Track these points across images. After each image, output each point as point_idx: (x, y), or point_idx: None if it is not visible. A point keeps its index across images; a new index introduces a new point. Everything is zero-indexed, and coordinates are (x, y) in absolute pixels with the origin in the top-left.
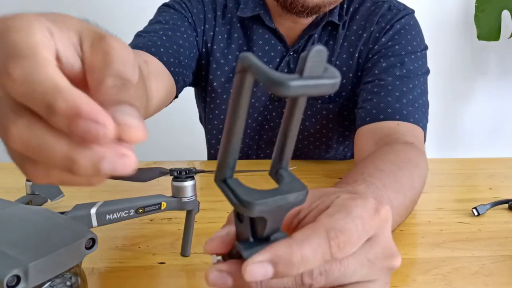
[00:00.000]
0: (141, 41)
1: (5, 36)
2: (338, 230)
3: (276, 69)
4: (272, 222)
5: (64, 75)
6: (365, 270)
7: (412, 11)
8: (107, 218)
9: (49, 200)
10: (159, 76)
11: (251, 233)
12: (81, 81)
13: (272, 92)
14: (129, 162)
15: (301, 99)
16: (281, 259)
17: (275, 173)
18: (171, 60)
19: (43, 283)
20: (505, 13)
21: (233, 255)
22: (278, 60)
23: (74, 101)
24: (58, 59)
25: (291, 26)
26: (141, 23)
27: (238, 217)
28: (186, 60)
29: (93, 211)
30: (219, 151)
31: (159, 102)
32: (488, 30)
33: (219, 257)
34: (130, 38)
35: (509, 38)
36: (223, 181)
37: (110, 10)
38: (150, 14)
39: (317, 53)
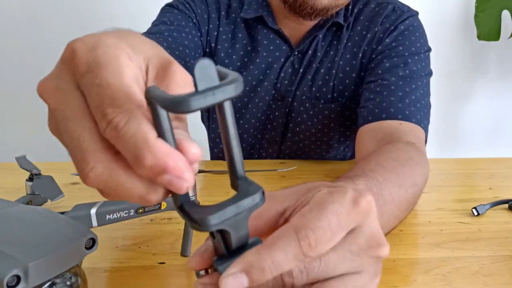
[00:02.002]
0: None
1: (96, 75)
2: (309, 229)
3: (281, 69)
4: (235, 232)
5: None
6: (348, 262)
7: (416, 13)
8: (107, 218)
9: (49, 200)
10: None
11: (224, 247)
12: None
13: (176, 113)
14: (188, 186)
15: (226, 106)
16: (252, 267)
17: (234, 186)
18: (178, 61)
19: (43, 283)
20: (505, 13)
21: (215, 269)
22: (283, 60)
23: (162, 157)
24: None
25: (296, 27)
26: (142, 23)
27: (211, 233)
28: (192, 61)
29: (93, 211)
30: None
31: None
32: (488, 30)
33: (202, 272)
34: None
35: (509, 38)
36: (180, 208)
37: (111, 10)
38: (151, 13)
39: (202, 66)
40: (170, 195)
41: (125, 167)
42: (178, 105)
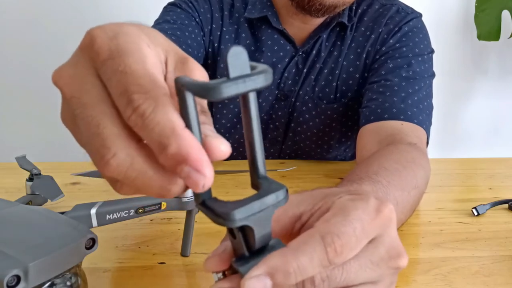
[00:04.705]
0: None
1: (119, 62)
2: (334, 235)
3: (285, 69)
4: (259, 229)
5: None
6: (368, 272)
7: (420, 15)
8: (107, 218)
9: (49, 200)
10: None
11: (246, 247)
12: None
13: (207, 99)
14: (205, 184)
15: (251, 98)
16: (277, 270)
17: (254, 185)
18: None
19: (43, 283)
20: (505, 13)
21: (234, 270)
22: (287, 60)
23: (186, 146)
24: None
25: (300, 27)
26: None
27: (230, 233)
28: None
29: (93, 211)
30: None
31: None
32: (488, 30)
33: (220, 275)
34: None
35: (509, 38)
36: (202, 204)
37: (111, 10)
38: (151, 13)
39: (235, 53)
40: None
41: (147, 156)
42: (210, 92)
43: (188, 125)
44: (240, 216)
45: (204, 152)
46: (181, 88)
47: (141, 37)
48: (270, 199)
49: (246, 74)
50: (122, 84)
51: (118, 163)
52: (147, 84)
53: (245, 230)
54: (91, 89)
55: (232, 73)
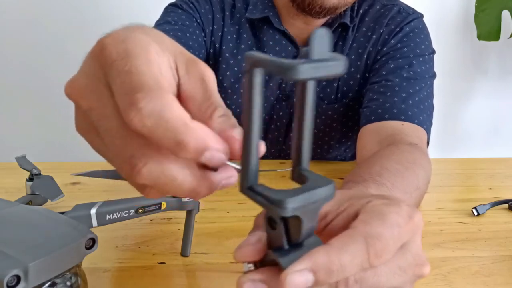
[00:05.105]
0: None
1: (126, 62)
2: (375, 238)
3: None
4: (307, 221)
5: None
6: (396, 278)
7: (421, 15)
8: (107, 218)
9: (49, 200)
10: None
11: (286, 239)
12: None
13: (285, 78)
14: (233, 181)
15: (310, 86)
16: (321, 267)
17: (297, 176)
18: None
19: (43, 283)
20: (505, 13)
21: (266, 262)
22: None
23: (202, 136)
24: None
25: (302, 27)
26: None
27: (270, 223)
28: None
29: (93, 211)
30: (241, 160)
31: None
32: (488, 30)
33: (251, 265)
34: None
35: (509, 38)
36: (250, 189)
37: (111, 10)
38: (152, 13)
39: (321, 36)
40: (220, 187)
41: (174, 160)
42: (288, 70)
43: (252, 103)
44: (293, 205)
45: (218, 138)
46: (254, 64)
47: (150, 43)
48: (321, 192)
49: (325, 59)
50: (125, 84)
51: (150, 171)
52: (151, 83)
53: (288, 222)
54: (108, 100)
55: (314, 55)
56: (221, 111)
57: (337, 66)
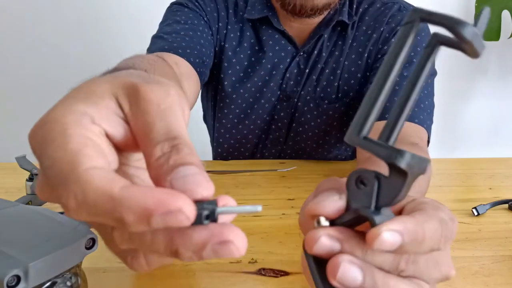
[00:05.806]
0: (166, 44)
1: (43, 152)
2: (445, 223)
3: (286, 69)
4: (409, 182)
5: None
6: (432, 272)
7: None
8: None
9: None
10: (190, 77)
11: (375, 200)
12: (135, 143)
13: (452, 31)
14: (235, 248)
15: (435, 54)
16: (409, 233)
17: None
18: (197, 61)
19: (43, 283)
20: (505, 13)
21: (343, 222)
22: (288, 60)
23: (139, 205)
24: (109, 137)
25: (300, 27)
26: (143, 23)
27: (362, 181)
28: (208, 60)
29: None
30: (359, 109)
31: (191, 104)
32: (488, 30)
33: (327, 222)
34: (131, 38)
35: (509, 38)
36: (365, 138)
37: (111, 10)
38: (152, 13)
39: (486, 16)
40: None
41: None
42: (457, 24)
43: (396, 56)
44: (409, 160)
45: (162, 192)
46: (422, 17)
47: (71, 112)
48: (424, 162)
49: (480, 35)
50: (50, 180)
51: (118, 240)
52: (66, 169)
53: (381, 182)
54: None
55: (479, 26)
56: (159, 151)
57: (481, 46)
